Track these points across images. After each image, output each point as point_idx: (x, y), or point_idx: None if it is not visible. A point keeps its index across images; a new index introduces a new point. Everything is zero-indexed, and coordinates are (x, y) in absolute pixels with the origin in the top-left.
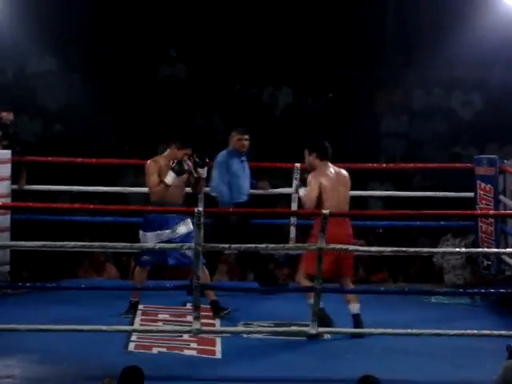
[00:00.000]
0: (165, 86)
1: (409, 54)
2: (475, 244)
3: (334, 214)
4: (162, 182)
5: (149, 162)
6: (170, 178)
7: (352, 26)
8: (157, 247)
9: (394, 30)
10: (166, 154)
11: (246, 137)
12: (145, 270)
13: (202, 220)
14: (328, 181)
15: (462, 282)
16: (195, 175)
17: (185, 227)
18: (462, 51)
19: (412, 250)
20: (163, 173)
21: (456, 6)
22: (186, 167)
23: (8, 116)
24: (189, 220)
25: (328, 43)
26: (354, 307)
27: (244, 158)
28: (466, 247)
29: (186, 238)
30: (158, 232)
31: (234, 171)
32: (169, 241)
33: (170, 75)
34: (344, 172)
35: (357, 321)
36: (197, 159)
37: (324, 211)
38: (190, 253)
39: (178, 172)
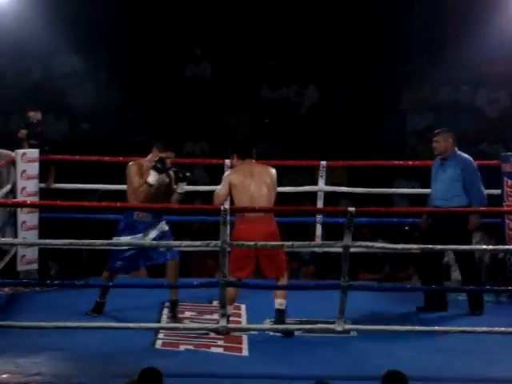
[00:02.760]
0: (190, 84)
1: (435, 50)
2: (481, 242)
3: (359, 211)
4: (145, 182)
5: (130, 163)
6: (152, 176)
7: (378, 22)
8: (183, 244)
9: (420, 26)
10: (148, 157)
11: (434, 138)
12: (113, 275)
13: (228, 218)
14: (239, 178)
15: None
16: (167, 180)
17: (156, 231)
18: (488, 48)
19: (439, 247)
20: (145, 175)
21: (482, 1)
22: (168, 165)
23: (35, 115)
24: (163, 223)
25: (353, 40)
26: (279, 302)
27: (447, 162)
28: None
29: (162, 237)
30: (132, 236)
31: (432, 175)
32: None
33: (196, 73)
34: (268, 170)
35: (278, 316)
36: (180, 174)
37: (350, 208)
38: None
39: (160, 169)
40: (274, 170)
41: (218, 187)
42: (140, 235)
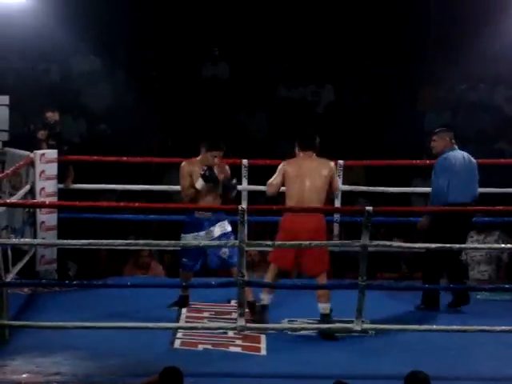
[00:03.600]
0: (208, 84)
1: (452, 49)
2: (499, 241)
3: (377, 211)
4: (192, 186)
5: (183, 163)
6: (199, 183)
7: (394, 22)
8: (201, 244)
9: (437, 24)
10: (199, 157)
11: (433, 138)
12: (188, 272)
13: (246, 217)
14: (293, 170)
15: (487, 278)
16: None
17: (220, 229)
18: (505, 45)
19: (457, 246)
20: (196, 175)
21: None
22: (216, 175)
23: (53, 116)
24: (225, 222)
25: (370, 40)
26: (323, 306)
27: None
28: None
29: (220, 238)
30: (195, 234)
31: None
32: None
33: (213, 74)
34: (325, 164)
35: (323, 321)
36: (225, 183)
37: (367, 208)
38: (225, 255)
39: (207, 180)
40: (332, 164)
41: (273, 176)
42: (203, 233)
